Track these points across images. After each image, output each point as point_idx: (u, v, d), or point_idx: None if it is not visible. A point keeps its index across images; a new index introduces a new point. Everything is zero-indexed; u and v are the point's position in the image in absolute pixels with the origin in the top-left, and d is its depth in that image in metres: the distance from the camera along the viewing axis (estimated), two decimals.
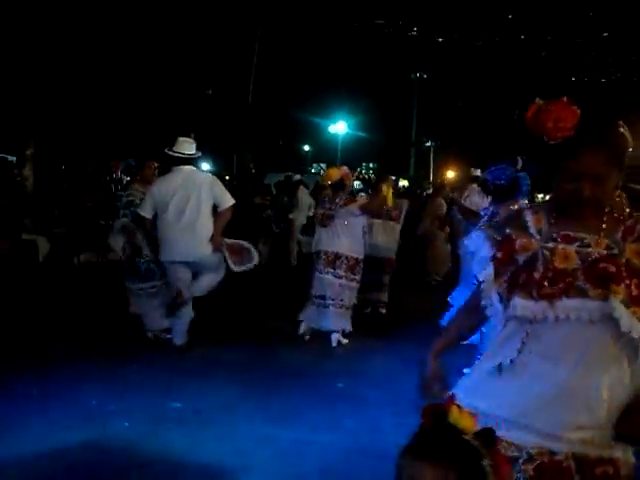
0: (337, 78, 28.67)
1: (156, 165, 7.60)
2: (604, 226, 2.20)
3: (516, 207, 4.84)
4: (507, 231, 2.34)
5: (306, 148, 41.38)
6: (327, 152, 38.58)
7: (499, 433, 1.85)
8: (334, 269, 7.23)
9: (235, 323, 8.09)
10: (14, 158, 19.56)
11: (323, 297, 7.24)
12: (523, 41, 25.60)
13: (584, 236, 2.18)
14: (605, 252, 2.15)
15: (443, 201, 10.80)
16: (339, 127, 36.21)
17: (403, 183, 30.19)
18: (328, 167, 7.73)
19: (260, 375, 6.15)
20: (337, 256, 7.25)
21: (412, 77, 34.65)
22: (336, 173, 7.65)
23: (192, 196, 6.53)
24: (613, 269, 2.12)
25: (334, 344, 7.22)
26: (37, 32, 19.74)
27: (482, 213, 5.69)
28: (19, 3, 18.94)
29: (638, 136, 2.63)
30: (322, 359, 6.76)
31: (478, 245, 5.11)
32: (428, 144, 39.56)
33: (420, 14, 28.20)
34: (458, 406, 1.65)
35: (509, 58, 26.73)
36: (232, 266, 6.72)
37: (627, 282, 2.10)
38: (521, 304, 2.20)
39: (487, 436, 1.63)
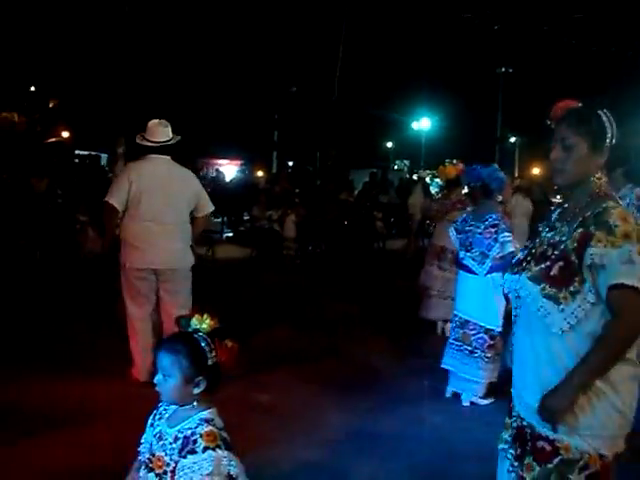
0: (421, 74, 28.48)
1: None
2: (572, 214, 2.47)
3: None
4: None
5: (389, 145, 41.22)
6: (410, 148, 38.35)
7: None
8: (439, 261, 7.66)
9: (326, 317, 8.19)
10: (106, 155, 20.27)
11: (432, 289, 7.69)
12: (609, 36, 24.80)
13: (558, 225, 2.50)
14: (558, 238, 2.44)
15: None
16: (423, 124, 35.95)
17: None
18: (444, 165, 7.94)
19: (347, 370, 6.23)
20: (442, 249, 7.61)
21: (497, 71, 34.07)
22: (452, 170, 7.89)
23: (173, 194, 5.57)
24: (549, 252, 2.43)
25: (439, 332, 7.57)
26: (128, 34, 20.35)
27: None
28: (112, 6, 19.57)
29: None
30: (408, 356, 6.77)
31: None
32: (513, 140, 38.79)
33: (506, 7, 27.68)
34: (200, 314, 2.39)
35: (595, 53, 25.96)
36: None
37: (548, 264, 2.40)
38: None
39: (219, 331, 2.38)
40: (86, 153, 23.93)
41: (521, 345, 2.53)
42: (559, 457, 2.38)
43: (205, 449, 2.31)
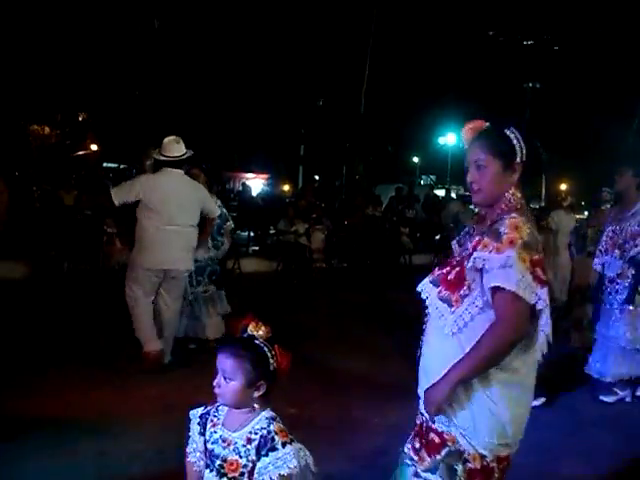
0: (447, 89, 28.38)
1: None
2: (483, 224, 2.61)
3: None
4: None
5: (415, 160, 41.09)
6: (436, 164, 38.26)
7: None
8: None
9: (354, 332, 8.13)
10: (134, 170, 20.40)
11: None
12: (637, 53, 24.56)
13: (467, 237, 2.67)
14: (464, 248, 2.60)
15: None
16: (449, 139, 35.85)
17: None
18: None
19: (377, 385, 6.18)
20: None
21: (524, 87, 33.86)
22: None
23: (184, 202, 6.30)
24: (453, 259, 2.60)
25: None
26: (157, 49, 20.58)
27: None
28: (141, 21, 19.81)
29: None
30: None
31: None
32: None
33: (533, 22, 27.59)
34: (256, 321, 2.49)
35: (622, 69, 25.73)
36: None
37: (448, 269, 2.56)
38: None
39: (276, 339, 2.50)
40: (114, 166, 24.15)
41: (425, 345, 2.66)
42: (447, 449, 2.54)
43: (284, 444, 2.44)
